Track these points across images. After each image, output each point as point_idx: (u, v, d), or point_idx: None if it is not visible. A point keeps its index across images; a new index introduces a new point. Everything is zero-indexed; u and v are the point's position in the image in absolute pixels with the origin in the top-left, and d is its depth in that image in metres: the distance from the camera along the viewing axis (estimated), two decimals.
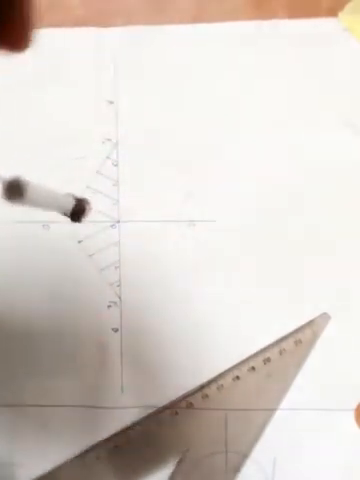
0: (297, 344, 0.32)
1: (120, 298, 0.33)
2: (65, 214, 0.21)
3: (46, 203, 0.22)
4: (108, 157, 0.32)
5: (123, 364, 0.33)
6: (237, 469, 0.32)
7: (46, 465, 0.33)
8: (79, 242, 0.33)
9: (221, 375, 0.32)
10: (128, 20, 0.32)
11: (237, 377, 0.32)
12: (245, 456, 0.32)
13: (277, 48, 0.31)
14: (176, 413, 0.32)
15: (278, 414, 0.32)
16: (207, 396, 0.32)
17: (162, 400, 0.32)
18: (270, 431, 0.32)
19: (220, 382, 0.32)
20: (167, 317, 0.32)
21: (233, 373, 0.32)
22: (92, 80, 0.32)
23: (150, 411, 0.32)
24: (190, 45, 0.32)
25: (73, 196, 0.22)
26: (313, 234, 0.32)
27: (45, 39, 0.32)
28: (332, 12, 0.31)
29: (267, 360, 0.32)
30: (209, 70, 0.32)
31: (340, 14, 0.31)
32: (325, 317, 0.32)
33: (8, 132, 0.33)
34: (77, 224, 0.33)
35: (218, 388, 0.32)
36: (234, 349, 0.32)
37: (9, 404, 0.33)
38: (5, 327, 0.33)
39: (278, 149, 0.32)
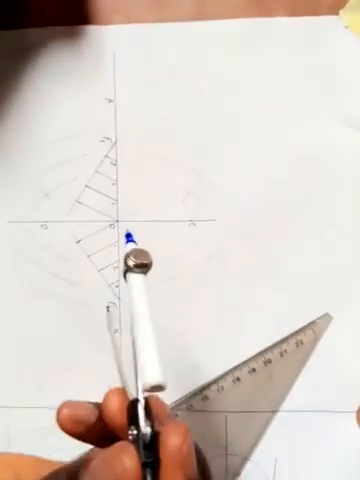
0: (298, 345, 0.32)
1: (119, 299, 0.32)
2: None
3: None
4: (107, 156, 0.32)
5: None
6: (237, 472, 0.32)
7: None
8: (78, 242, 0.32)
9: (221, 377, 0.32)
10: (127, 18, 0.32)
11: (237, 379, 0.32)
12: (245, 458, 0.32)
13: (278, 46, 0.31)
14: (176, 415, 0.32)
15: (279, 416, 0.32)
16: (207, 398, 0.32)
17: None
18: (271, 433, 0.32)
19: (220, 384, 0.32)
20: (167, 318, 0.32)
21: (233, 375, 0.32)
22: (91, 78, 0.32)
23: None
24: (190, 43, 0.31)
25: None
26: (314, 234, 0.32)
27: (44, 37, 0.32)
28: (333, 10, 0.31)
29: (268, 361, 0.32)
30: (209, 68, 0.32)
31: (341, 12, 0.31)
32: (326, 318, 0.32)
33: (6, 131, 0.32)
34: (75, 224, 0.33)
35: (218, 390, 0.32)
36: (234, 350, 0.32)
37: (7, 405, 0.33)
38: (3, 327, 0.33)
39: (279, 148, 0.32)
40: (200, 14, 0.31)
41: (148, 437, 0.16)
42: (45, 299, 0.33)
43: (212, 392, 0.32)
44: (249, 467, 0.32)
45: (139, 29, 0.32)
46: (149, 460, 0.16)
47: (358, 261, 0.32)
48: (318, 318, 0.32)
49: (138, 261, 0.21)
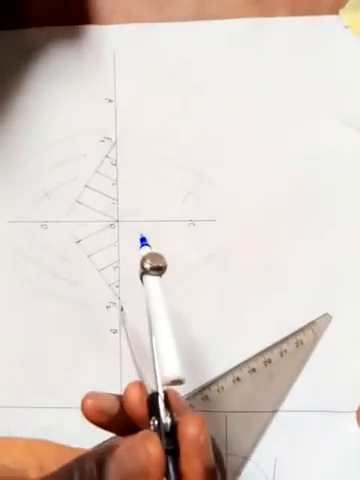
0: (298, 345, 0.32)
1: (119, 299, 0.32)
2: None
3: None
4: (107, 156, 0.32)
5: (122, 366, 0.32)
6: (237, 471, 0.32)
7: None
8: (78, 242, 0.32)
9: (221, 377, 0.32)
10: (127, 18, 0.32)
11: (238, 379, 0.32)
12: (245, 458, 0.32)
13: (278, 46, 0.31)
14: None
15: (279, 416, 0.32)
16: (207, 398, 0.32)
17: None
18: (271, 433, 0.32)
19: (220, 384, 0.32)
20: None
21: (233, 375, 0.32)
22: (91, 78, 0.32)
23: None
24: (190, 43, 0.31)
25: None
26: (314, 234, 0.32)
27: (44, 37, 0.32)
28: (333, 10, 0.31)
29: (268, 361, 0.32)
30: (209, 68, 0.31)
31: (341, 12, 0.31)
32: (326, 318, 0.32)
33: (6, 131, 0.32)
34: (76, 223, 0.33)
35: (218, 390, 0.32)
36: (234, 350, 0.32)
37: (7, 405, 0.33)
38: (3, 328, 0.33)
39: (279, 148, 0.32)
40: (200, 14, 0.31)
41: (168, 427, 0.18)
42: (45, 299, 0.33)
43: (212, 392, 0.32)
44: (249, 467, 0.32)
45: (139, 29, 0.32)
46: (170, 448, 0.17)
47: (358, 261, 0.32)
48: (318, 318, 0.32)
49: (154, 264, 0.22)
